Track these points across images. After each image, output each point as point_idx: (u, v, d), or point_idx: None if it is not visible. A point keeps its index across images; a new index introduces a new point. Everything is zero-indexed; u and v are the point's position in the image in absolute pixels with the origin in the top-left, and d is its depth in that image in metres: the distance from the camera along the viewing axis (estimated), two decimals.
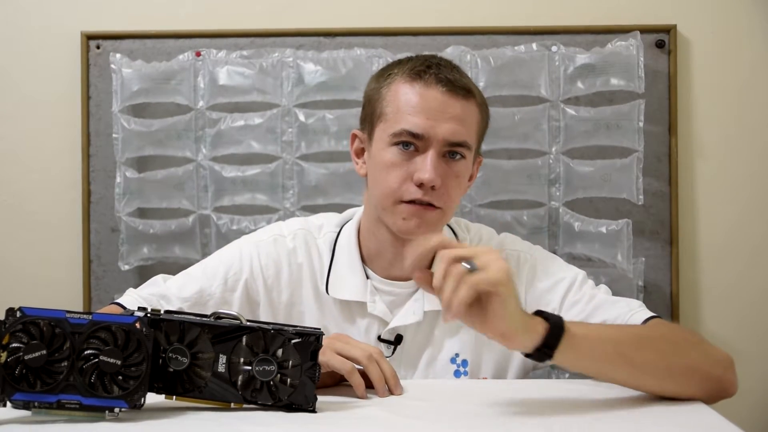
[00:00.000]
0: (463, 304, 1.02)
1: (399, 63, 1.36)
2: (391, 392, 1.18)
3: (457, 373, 1.37)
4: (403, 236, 1.33)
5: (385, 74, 1.36)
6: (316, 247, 1.42)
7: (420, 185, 1.29)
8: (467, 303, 1.02)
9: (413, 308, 1.37)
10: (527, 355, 1.08)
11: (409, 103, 1.29)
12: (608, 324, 1.27)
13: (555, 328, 1.07)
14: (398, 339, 1.37)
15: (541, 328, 1.07)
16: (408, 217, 1.30)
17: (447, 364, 1.37)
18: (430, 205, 1.30)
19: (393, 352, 1.36)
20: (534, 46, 2.10)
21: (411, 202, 1.30)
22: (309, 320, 1.39)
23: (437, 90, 1.29)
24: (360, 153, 1.40)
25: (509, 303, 1.04)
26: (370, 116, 1.36)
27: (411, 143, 1.29)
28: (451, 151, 1.30)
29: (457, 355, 1.37)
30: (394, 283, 1.38)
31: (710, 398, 1.17)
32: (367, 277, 1.39)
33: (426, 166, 1.28)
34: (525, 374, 1.40)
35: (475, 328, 1.07)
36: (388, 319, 1.37)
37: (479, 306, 1.05)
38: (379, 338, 1.37)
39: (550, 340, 1.06)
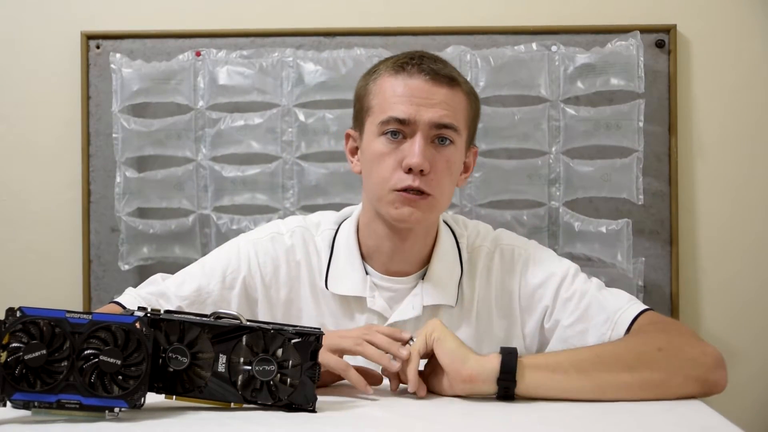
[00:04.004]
0: (413, 371, 1.17)
1: (385, 60, 1.40)
2: (398, 357, 1.18)
3: None
4: (398, 225, 1.35)
5: (371, 71, 1.39)
6: (314, 245, 1.43)
7: (409, 171, 1.30)
8: (416, 369, 1.17)
9: (412, 303, 1.38)
10: (499, 397, 1.15)
11: (395, 92, 1.32)
12: (569, 350, 1.28)
13: (507, 354, 1.14)
14: None
15: (494, 357, 1.14)
16: (400, 205, 1.32)
17: None
18: (421, 192, 1.31)
19: None
20: (534, 46, 2.10)
21: (403, 190, 1.31)
22: (307, 318, 1.40)
23: (420, 79, 1.32)
24: (354, 151, 1.42)
25: (447, 341, 1.17)
26: (359, 113, 1.39)
27: (399, 131, 1.31)
28: (440, 136, 1.32)
29: None
30: (394, 279, 1.39)
31: (697, 396, 1.18)
32: (367, 273, 1.39)
33: (414, 150, 1.30)
34: None
35: (439, 387, 1.19)
36: (387, 315, 1.38)
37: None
38: None
39: (507, 366, 1.14)
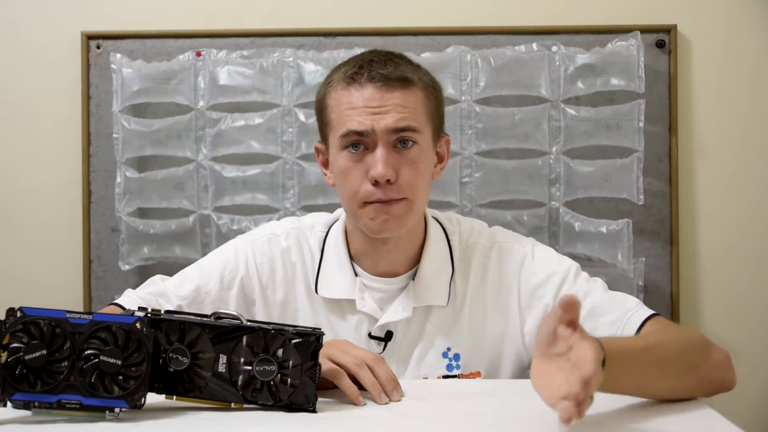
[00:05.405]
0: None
1: (337, 68, 1.38)
2: (388, 397, 1.16)
3: (449, 367, 1.38)
4: (376, 236, 1.34)
5: (326, 82, 1.38)
6: (308, 246, 1.43)
7: (375, 183, 1.30)
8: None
9: (403, 304, 1.37)
10: None
11: (349, 105, 1.31)
12: (636, 338, 1.24)
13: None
14: (388, 335, 1.37)
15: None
16: (374, 216, 1.31)
17: (439, 358, 1.38)
18: (393, 200, 1.31)
19: (384, 349, 1.36)
20: (534, 46, 2.10)
21: (373, 202, 1.31)
22: (303, 318, 1.40)
23: (372, 87, 1.30)
24: (326, 164, 1.41)
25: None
26: (321, 126, 1.38)
27: (359, 143, 1.30)
28: (401, 139, 1.31)
29: (449, 349, 1.38)
30: (383, 280, 1.39)
31: (710, 395, 1.19)
32: (356, 275, 1.39)
33: (376, 161, 1.29)
34: (519, 369, 1.40)
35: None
36: (377, 316, 1.37)
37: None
38: (370, 335, 1.37)
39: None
